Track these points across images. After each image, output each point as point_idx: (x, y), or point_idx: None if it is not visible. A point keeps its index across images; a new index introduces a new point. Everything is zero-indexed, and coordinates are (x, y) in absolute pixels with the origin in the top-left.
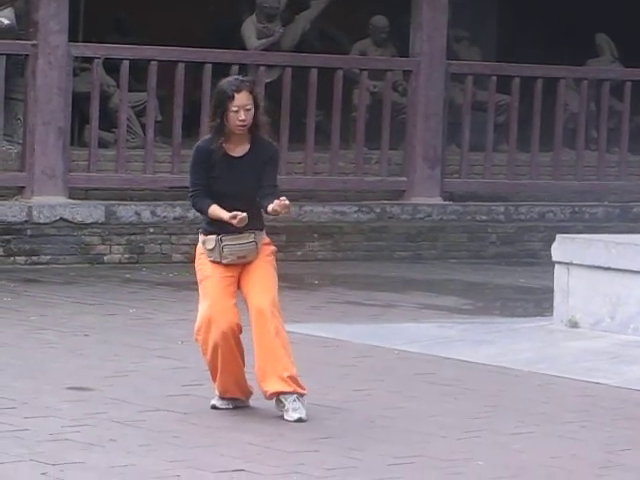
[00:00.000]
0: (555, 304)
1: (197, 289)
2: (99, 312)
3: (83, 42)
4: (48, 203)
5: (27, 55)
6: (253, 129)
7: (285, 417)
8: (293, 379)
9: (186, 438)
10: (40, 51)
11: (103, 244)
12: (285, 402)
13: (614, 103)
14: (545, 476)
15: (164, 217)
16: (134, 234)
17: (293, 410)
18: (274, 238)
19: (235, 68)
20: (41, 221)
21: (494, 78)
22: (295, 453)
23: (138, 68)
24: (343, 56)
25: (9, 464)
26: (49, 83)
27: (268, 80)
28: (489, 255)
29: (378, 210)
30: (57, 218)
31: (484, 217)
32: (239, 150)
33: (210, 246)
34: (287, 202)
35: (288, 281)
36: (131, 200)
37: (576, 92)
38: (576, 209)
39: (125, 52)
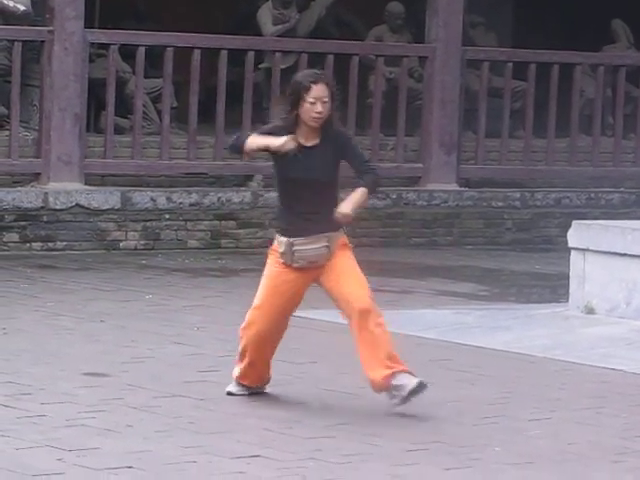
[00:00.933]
0: (571, 290)
1: (216, 275)
2: (115, 298)
3: (99, 28)
4: (64, 189)
5: (43, 41)
6: (325, 122)
7: (404, 393)
8: (397, 361)
9: (202, 424)
10: (56, 37)
11: (119, 230)
12: (397, 382)
13: (630, 89)
14: (561, 462)
15: (180, 203)
16: (150, 220)
17: (409, 380)
18: None
19: (251, 54)
20: (57, 207)
21: (510, 64)
22: (311, 439)
23: (154, 54)
24: (359, 42)
25: (26, 450)
26: (65, 69)
27: (284, 66)
28: (505, 241)
29: (394, 196)
30: (73, 204)
31: (500, 203)
32: (309, 140)
33: (281, 249)
34: (347, 212)
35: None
36: (147, 186)
37: (592, 78)
38: (592, 195)
39: (141, 38)
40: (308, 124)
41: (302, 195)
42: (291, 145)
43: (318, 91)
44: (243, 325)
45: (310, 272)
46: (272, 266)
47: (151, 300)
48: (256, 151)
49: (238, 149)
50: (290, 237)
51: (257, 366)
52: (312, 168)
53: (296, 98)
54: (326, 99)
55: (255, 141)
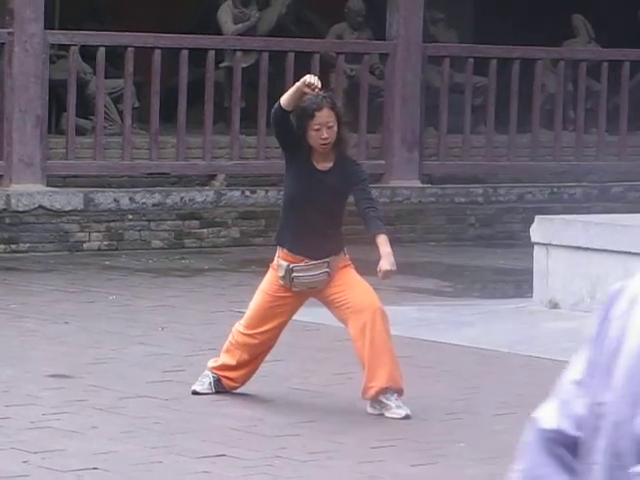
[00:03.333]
0: (535, 285)
1: (180, 275)
2: (79, 299)
3: (59, 29)
4: (26, 191)
5: (3, 43)
6: (337, 144)
7: (389, 415)
8: (398, 377)
9: (167, 424)
10: (16, 39)
11: (82, 231)
12: (388, 401)
13: (591, 84)
14: None
15: (143, 203)
16: (113, 221)
17: (397, 407)
18: (253, 223)
19: (212, 53)
20: (20, 209)
21: (471, 60)
22: (276, 437)
23: (115, 55)
24: (320, 40)
25: None
26: (26, 71)
27: (245, 65)
28: (468, 237)
29: None
30: (36, 206)
31: (463, 199)
32: (323, 165)
33: (280, 273)
34: (392, 268)
35: (266, 266)
36: (109, 187)
37: (553, 73)
38: (555, 190)
39: (101, 39)
40: (317, 150)
41: (309, 217)
42: (314, 84)
43: (322, 117)
44: (242, 340)
45: (309, 292)
46: (271, 284)
47: (115, 301)
48: (293, 98)
49: (280, 110)
50: (291, 257)
51: (251, 372)
52: (324, 192)
53: (302, 125)
54: (331, 124)
55: (288, 93)
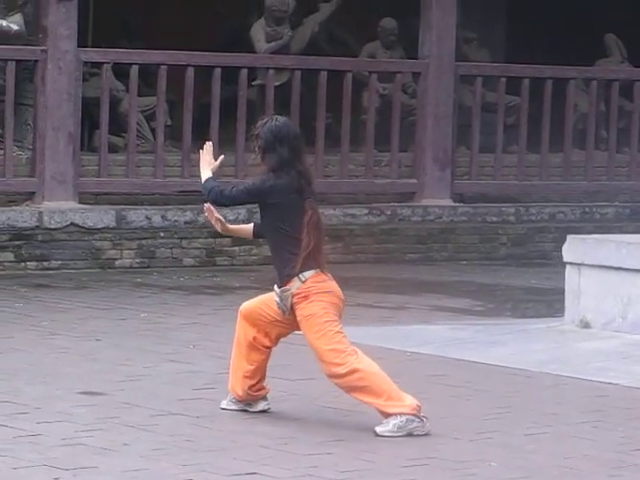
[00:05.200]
0: (566, 305)
1: (211, 293)
2: (110, 317)
3: (92, 47)
4: (59, 208)
5: (36, 61)
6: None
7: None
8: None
9: (199, 442)
10: (49, 57)
11: (114, 249)
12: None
13: (624, 103)
14: (558, 477)
15: (175, 221)
16: (145, 238)
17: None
18: None
19: (244, 71)
20: (52, 226)
21: (503, 79)
22: (308, 456)
23: (148, 72)
24: (352, 59)
25: (22, 469)
26: (59, 88)
27: (277, 83)
28: (500, 256)
29: (388, 212)
30: (68, 223)
31: (494, 218)
32: None
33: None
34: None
35: None
36: (142, 205)
37: (585, 92)
38: (586, 209)
39: (134, 57)
40: None
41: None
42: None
43: None
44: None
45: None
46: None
47: (146, 318)
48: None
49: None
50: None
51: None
52: None
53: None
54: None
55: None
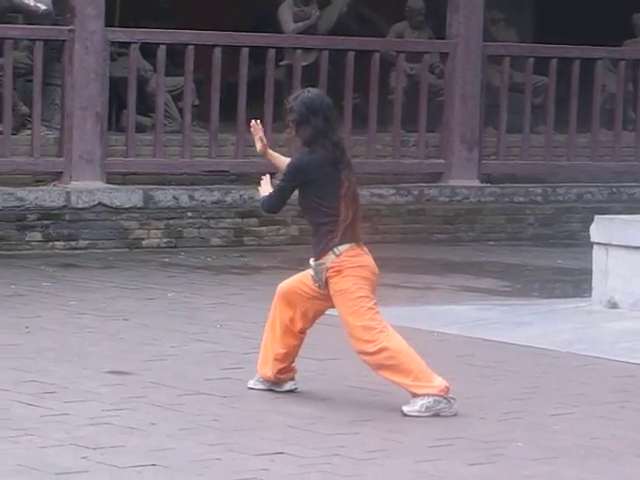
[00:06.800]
0: (594, 285)
1: (239, 273)
2: (138, 296)
3: (119, 27)
4: (86, 188)
5: (64, 40)
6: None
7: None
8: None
9: (226, 421)
10: (77, 36)
11: (141, 228)
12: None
13: None
14: (585, 457)
15: (202, 201)
16: (172, 218)
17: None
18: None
19: (272, 52)
20: (79, 206)
21: (531, 59)
22: (335, 435)
23: (175, 52)
24: (380, 39)
25: (50, 448)
26: (86, 68)
27: (305, 63)
28: (527, 237)
29: (416, 192)
30: (95, 203)
31: (522, 199)
32: None
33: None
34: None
35: None
36: (169, 184)
37: (614, 73)
38: (614, 190)
39: (162, 37)
40: None
41: None
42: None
43: None
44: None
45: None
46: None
47: (174, 298)
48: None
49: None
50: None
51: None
52: None
53: None
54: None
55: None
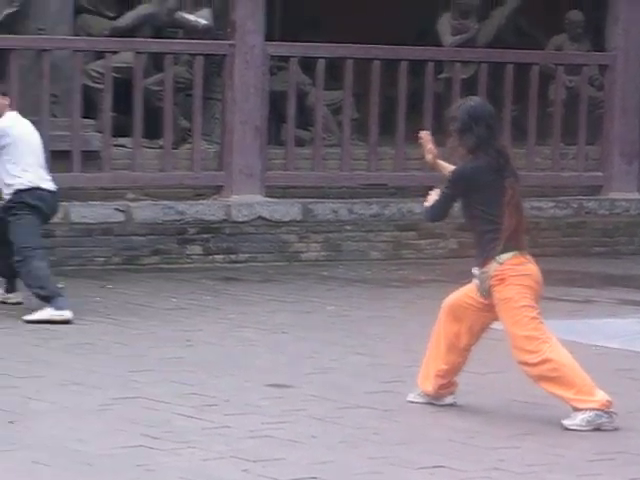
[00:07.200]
0: None
1: (398, 286)
2: (297, 309)
3: (279, 41)
4: (246, 202)
5: (225, 55)
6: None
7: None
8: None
9: (386, 435)
10: (237, 51)
11: (300, 242)
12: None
13: None
14: None
15: (361, 214)
16: (331, 232)
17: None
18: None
19: (431, 65)
20: (239, 220)
21: None
22: (495, 449)
23: (334, 66)
24: (539, 51)
25: (211, 461)
26: (246, 82)
27: (464, 76)
28: None
29: (575, 205)
30: (255, 216)
31: None
32: None
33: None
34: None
35: None
36: (328, 198)
37: None
38: None
39: (320, 50)
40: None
41: None
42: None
43: None
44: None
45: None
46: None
47: (333, 311)
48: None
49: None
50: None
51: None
52: None
53: None
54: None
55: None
